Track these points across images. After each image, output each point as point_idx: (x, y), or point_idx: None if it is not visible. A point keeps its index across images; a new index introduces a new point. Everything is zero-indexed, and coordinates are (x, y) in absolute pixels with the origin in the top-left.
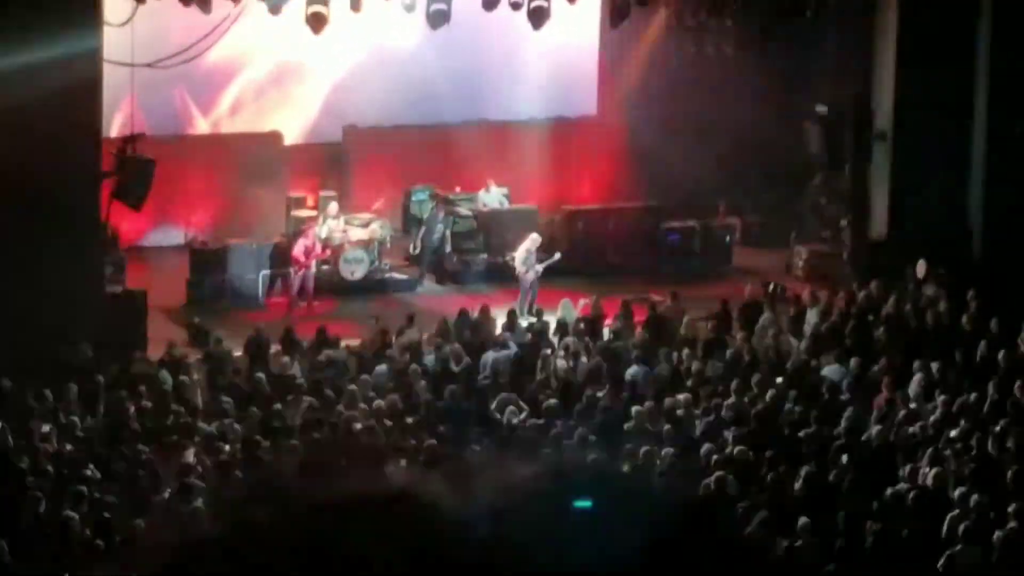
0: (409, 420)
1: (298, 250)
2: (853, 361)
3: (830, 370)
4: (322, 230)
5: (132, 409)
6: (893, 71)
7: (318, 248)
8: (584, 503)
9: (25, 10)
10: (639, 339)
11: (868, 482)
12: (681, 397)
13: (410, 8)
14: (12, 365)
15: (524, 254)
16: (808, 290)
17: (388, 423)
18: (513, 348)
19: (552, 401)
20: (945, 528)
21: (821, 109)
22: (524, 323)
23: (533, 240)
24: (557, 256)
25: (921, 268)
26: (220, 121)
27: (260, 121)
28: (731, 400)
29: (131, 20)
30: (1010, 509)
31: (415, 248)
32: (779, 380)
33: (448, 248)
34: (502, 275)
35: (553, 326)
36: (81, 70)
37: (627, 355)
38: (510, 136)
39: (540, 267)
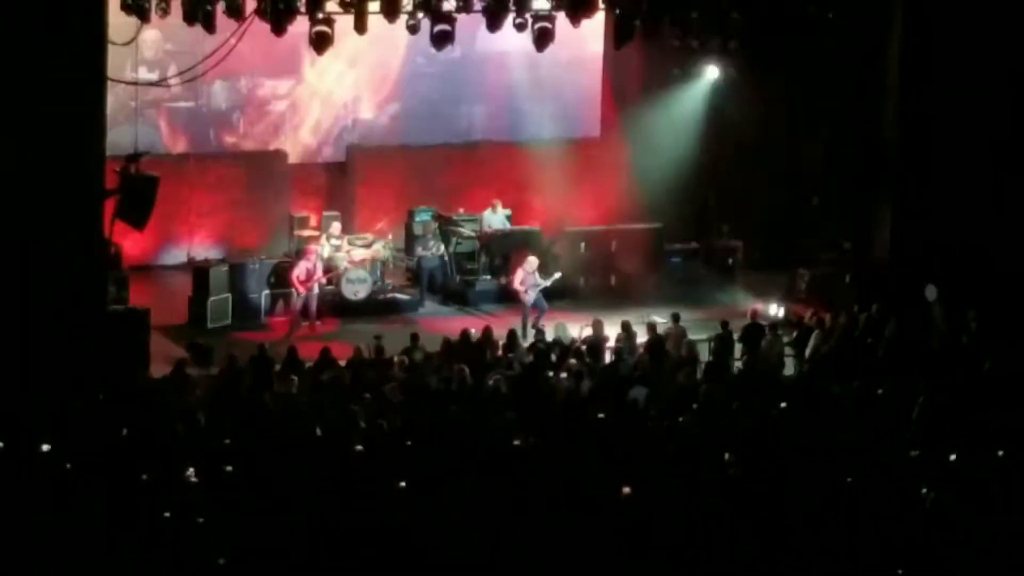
0: (410, 441)
1: (298, 273)
2: (857, 382)
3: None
4: (325, 250)
5: (133, 427)
6: (897, 94)
7: (319, 271)
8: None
9: (28, 28)
10: (641, 360)
11: (870, 504)
12: (683, 418)
13: (414, 29)
14: (15, 382)
15: (521, 275)
16: (810, 312)
17: (389, 444)
18: (515, 369)
19: (553, 422)
20: (948, 551)
21: (825, 131)
22: (525, 344)
23: (529, 262)
24: (557, 275)
25: (931, 292)
26: (224, 140)
27: (264, 140)
28: (733, 421)
29: (135, 39)
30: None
31: (414, 275)
32: (781, 402)
33: (449, 270)
34: (505, 296)
35: (554, 347)
36: (84, 88)
37: (629, 376)
38: (513, 157)
39: (540, 287)
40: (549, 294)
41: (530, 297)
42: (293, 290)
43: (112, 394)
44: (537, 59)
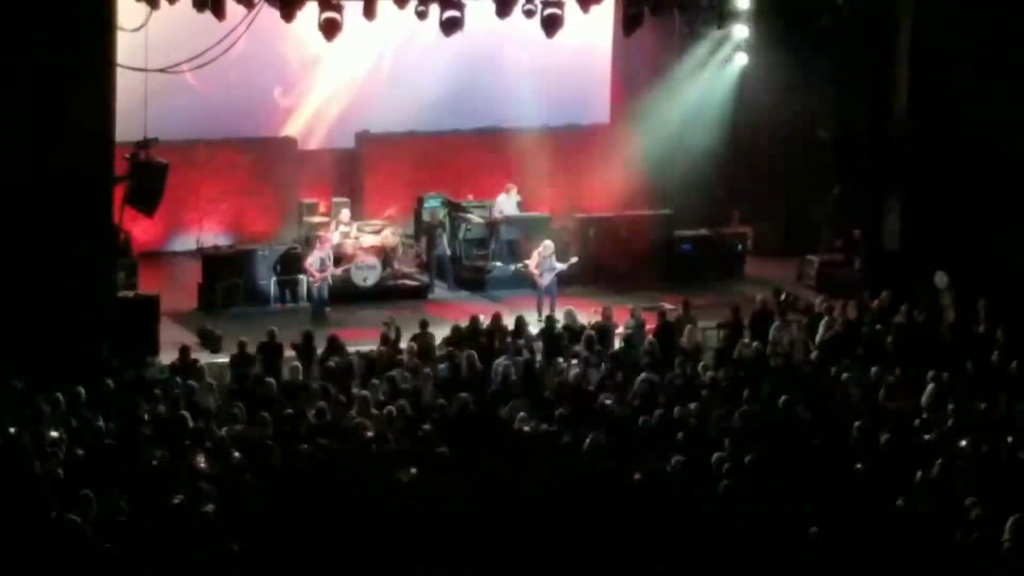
0: (420, 427)
1: (312, 262)
2: (866, 370)
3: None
4: (334, 236)
5: (143, 414)
6: (908, 81)
7: (331, 262)
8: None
9: (38, 15)
10: (650, 347)
11: (880, 491)
12: (692, 405)
13: (423, 15)
14: (24, 369)
15: (537, 259)
16: (820, 299)
17: (399, 429)
18: (524, 355)
19: (563, 409)
20: (956, 538)
21: (835, 118)
22: (534, 329)
23: (545, 246)
24: (574, 260)
25: (942, 279)
26: (233, 126)
27: (273, 127)
28: (742, 408)
29: (145, 25)
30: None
31: (422, 256)
32: (791, 389)
33: (449, 253)
34: (514, 282)
35: (564, 334)
36: (94, 75)
37: (638, 363)
38: (523, 144)
39: (556, 270)
40: (560, 280)
41: (545, 281)
42: (306, 278)
43: (122, 381)
44: (546, 45)
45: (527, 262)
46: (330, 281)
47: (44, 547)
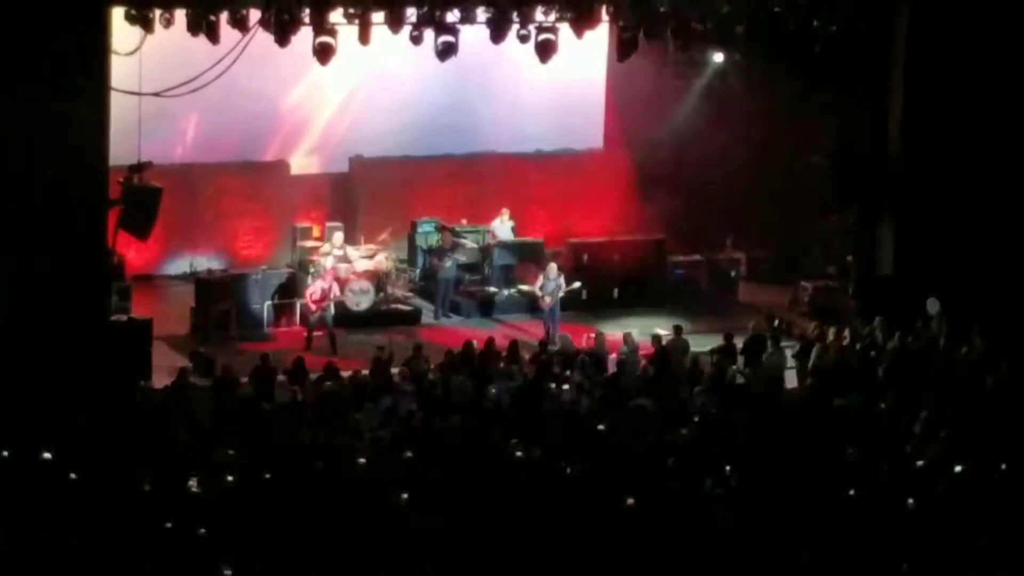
0: (412, 452)
1: (312, 292)
2: (858, 396)
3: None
4: (328, 261)
5: (136, 437)
6: (901, 107)
7: (334, 291)
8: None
9: (33, 39)
10: (643, 373)
11: (873, 517)
12: (685, 431)
13: (418, 40)
14: (17, 392)
15: (541, 281)
16: (813, 325)
17: (391, 454)
18: (517, 380)
19: (556, 434)
20: (952, 564)
21: (829, 145)
22: (527, 355)
23: (550, 269)
24: (577, 284)
25: (933, 305)
26: (227, 150)
27: (267, 151)
28: (735, 434)
29: (139, 49)
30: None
31: (424, 278)
32: (783, 415)
33: (453, 280)
34: (507, 307)
35: (557, 359)
36: (88, 99)
37: (631, 389)
38: (517, 168)
39: (559, 294)
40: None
41: (547, 304)
42: (299, 303)
43: (114, 404)
44: (540, 71)
45: (524, 286)
46: (331, 310)
47: (39, 570)
